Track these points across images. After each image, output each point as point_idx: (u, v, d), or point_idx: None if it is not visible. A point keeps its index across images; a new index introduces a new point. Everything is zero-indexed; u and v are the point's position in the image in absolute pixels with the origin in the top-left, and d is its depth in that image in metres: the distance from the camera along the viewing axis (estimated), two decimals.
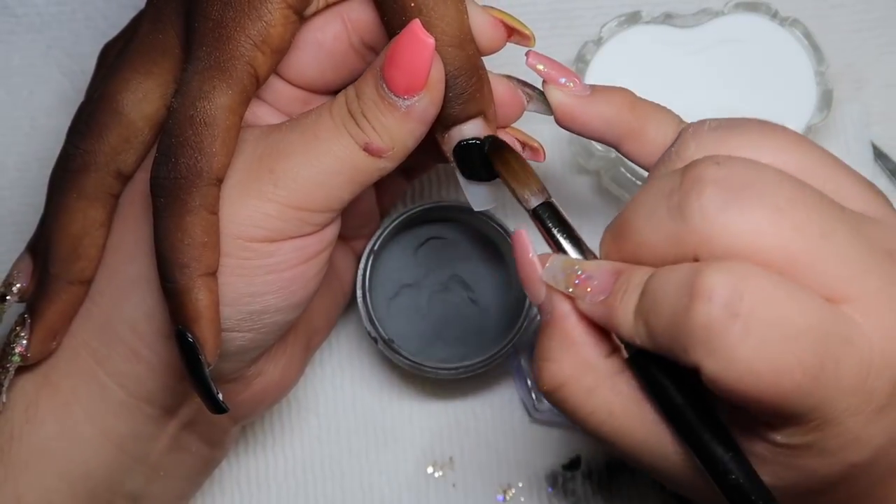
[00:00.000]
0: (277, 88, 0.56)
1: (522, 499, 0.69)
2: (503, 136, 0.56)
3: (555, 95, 0.53)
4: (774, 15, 0.69)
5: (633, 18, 0.70)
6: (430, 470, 0.69)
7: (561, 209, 0.50)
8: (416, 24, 0.51)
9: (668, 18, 0.70)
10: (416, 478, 0.69)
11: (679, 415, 0.45)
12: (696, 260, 0.43)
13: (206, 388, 0.52)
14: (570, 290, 0.47)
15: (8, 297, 0.58)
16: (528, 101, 0.56)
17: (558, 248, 0.49)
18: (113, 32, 0.61)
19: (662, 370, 0.45)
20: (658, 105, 0.53)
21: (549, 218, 0.49)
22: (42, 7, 0.74)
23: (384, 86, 0.52)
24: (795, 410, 0.43)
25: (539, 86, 0.55)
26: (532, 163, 0.58)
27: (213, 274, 0.52)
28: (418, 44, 0.51)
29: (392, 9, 0.53)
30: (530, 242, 0.49)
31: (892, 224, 0.46)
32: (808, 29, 0.69)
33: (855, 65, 0.73)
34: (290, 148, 0.53)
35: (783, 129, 0.47)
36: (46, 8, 0.74)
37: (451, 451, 0.70)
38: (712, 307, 0.41)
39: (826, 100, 0.69)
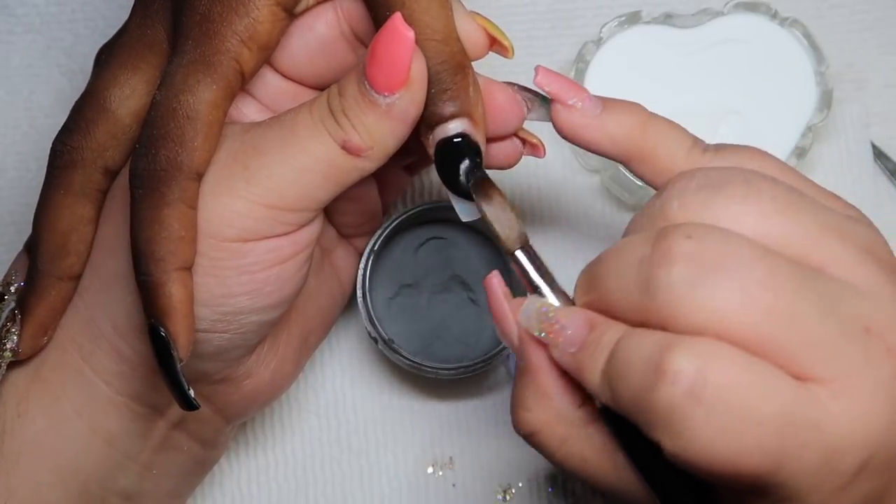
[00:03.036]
0: (267, 80, 0.56)
1: (522, 499, 0.69)
2: (506, 141, 0.56)
3: (561, 115, 0.52)
4: (774, 15, 0.70)
5: (633, 18, 0.70)
6: (430, 470, 0.69)
7: (537, 252, 0.50)
8: (397, 16, 0.50)
9: (668, 18, 0.70)
10: (416, 478, 0.69)
11: (647, 468, 0.46)
12: (663, 329, 0.43)
13: (177, 384, 0.52)
14: (543, 335, 0.47)
15: (6, 297, 0.58)
16: (528, 110, 0.55)
17: (535, 291, 0.49)
18: (112, 32, 0.61)
19: (631, 424, 0.45)
20: (671, 124, 0.51)
21: (528, 262, 0.50)
22: (42, 7, 0.74)
23: (366, 83, 0.51)
24: (755, 487, 0.43)
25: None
26: (532, 160, 0.58)
27: (188, 269, 0.51)
28: (398, 37, 0.50)
29: (376, 2, 0.52)
30: (503, 290, 0.49)
31: (877, 294, 0.44)
32: (808, 29, 0.69)
33: (855, 65, 0.73)
34: (267, 145, 0.52)
35: (772, 190, 0.45)
36: (46, 8, 0.74)
37: (451, 451, 0.69)
38: (675, 390, 0.41)
39: (826, 100, 0.69)
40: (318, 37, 0.55)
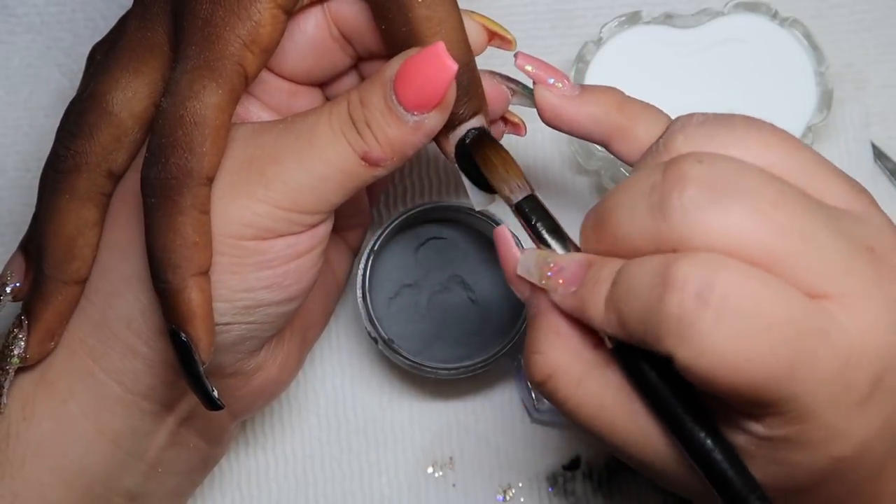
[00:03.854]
0: (263, 78, 0.56)
1: (522, 499, 0.69)
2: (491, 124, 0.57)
3: (542, 95, 0.53)
4: (774, 15, 0.70)
5: (633, 18, 0.70)
6: (430, 470, 0.69)
7: (543, 202, 0.50)
8: (441, 46, 0.51)
9: (668, 19, 0.70)
10: (416, 478, 0.69)
11: (663, 403, 0.46)
12: (676, 251, 0.44)
13: (202, 386, 0.52)
14: (543, 282, 0.47)
15: (1, 298, 0.58)
16: (511, 95, 0.57)
17: (541, 242, 0.49)
18: None
19: (645, 359, 0.45)
20: (647, 104, 0.53)
21: (531, 212, 0.50)
22: (42, 7, 0.74)
23: (394, 98, 0.52)
24: (771, 399, 0.43)
25: (529, 84, 0.55)
26: (531, 160, 0.58)
27: (205, 273, 0.52)
28: (441, 67, 0.51)
29: (391, 10, 0.53)
30: (512, 238, 0.49)
31: (874, 220, 0.46)
32: (808, 29, 0.69)
33: (855, 65, 0.73)
34: (283, 152, 0.53)
35: (771, 126, 0.47)
36: (46, 8, 0.74)
37: (451, 451, 0.69)
38: (684, 296, 0.42)
39: (826, 100, 0.69)
40: (307, 38, 0.56)
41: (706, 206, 0.43)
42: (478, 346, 0.66)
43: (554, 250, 0.49)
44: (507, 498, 0.69)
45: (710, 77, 0.69)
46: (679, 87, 0.69)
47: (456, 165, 0.55)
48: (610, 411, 0.47)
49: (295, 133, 0.53)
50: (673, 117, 0.52)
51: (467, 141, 0.54)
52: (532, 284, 0.48)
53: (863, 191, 0.48)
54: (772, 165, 0.45)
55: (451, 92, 0.52)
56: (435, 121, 0.52)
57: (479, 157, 0.53)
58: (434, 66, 0.51)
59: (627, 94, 0.53)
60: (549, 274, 0.47)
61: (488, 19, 0.56)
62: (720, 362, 0.42)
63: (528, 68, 0.54)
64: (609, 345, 0.46)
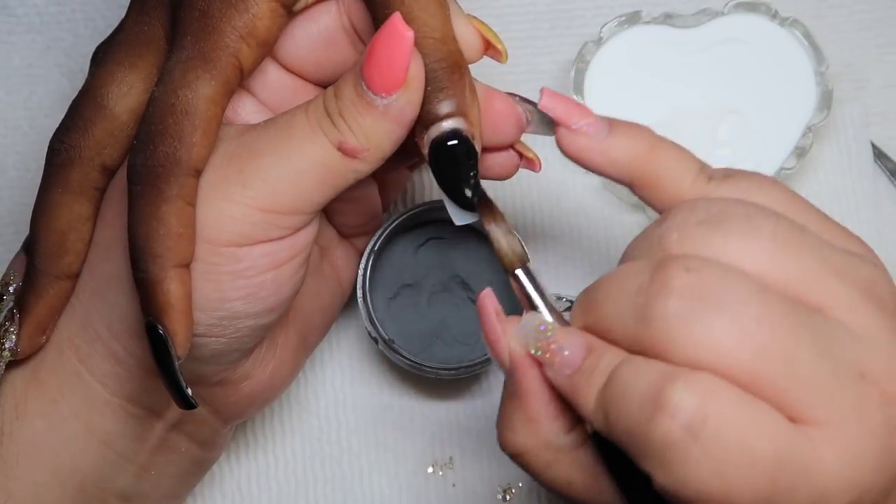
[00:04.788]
0: (268, 73, 0.56)
1: (522, 499, 0.69)
2: (502, 152, 0.55)
3: (566, 140, 0.50)
4: (774, 15, 0.70)
5: (633, 18, 0.70)
6: (430, 470, 0.69)
7: (537, 275, 0.50)
8: (397, 16, 0.50)
9: (668, 18, 0.70)
10: (416, 478, 0.69)
11: (635, 495, 0.45)
12: (659, 358, 0.43)
13: (175, 382, 0.51)
14: (539, 353, 0.46)
15: (4, 297, 0.58)
16: (527, 123, 0.54)
17: (532, 310, 0.49)
18: None
19: (621, 451, 0.44)
20: (677, 149, 0.50)
21: (528, 281, 0.49)
22: (42, 7, 0.74)
23: (363, 84, 0.51)
24: None
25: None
26: (529, 172, 0.57)
27: (186, 266, 0.51)
28: (397, 36, 0.50)
29: (376, 4, 0.52)
30: (495, 306, 0.48)
31: (879, 340, 0.44)
32: (807, 29, 0.69)
33: (855, 65, 0.73)
34: (261, 147, 0.52)
35: (774, 227, 0.44)
36: (46, 8, 0.74)
37: (451, 451, 0.69)
38: (674, 425, 0.41)
39: (826, 100, 0.69)
40: (320, 28, 0.55)
41: (688, 318, 0.42)
42: (478, 346, 0.66)
43: (546, 318, 0.48)
44: (507, 498, 0.69)
45: (710, 77, 0.69)
46: (679, 87, 0.69)
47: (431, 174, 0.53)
48: (579, 489, 0.47)
49: (274, 129, 0.52)
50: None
51: (475, 201, 0.51)
52: (516, 358, 0.47)
53: (871, 297, 0.45)
54: (767, 274, 0.43)
55: (415, 68, 0.50)
56: (402, 102, 0.51)
57: (486, 218, 0.51)
58: (391, 36, 0.50)
59: (657, 135, 0.50)
60: (548, 347, 0.46)
61: (485, 26, 0.54)
62: (700, 493, 0.41)
63: (553, 113, 0.51)
64: (589, 430, 0.46)
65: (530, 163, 0.56)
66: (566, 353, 0.45)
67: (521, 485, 0.69)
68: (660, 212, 0.49)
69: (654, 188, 0.49)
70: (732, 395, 0.41)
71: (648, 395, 0.42)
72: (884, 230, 0.71)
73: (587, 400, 0.44)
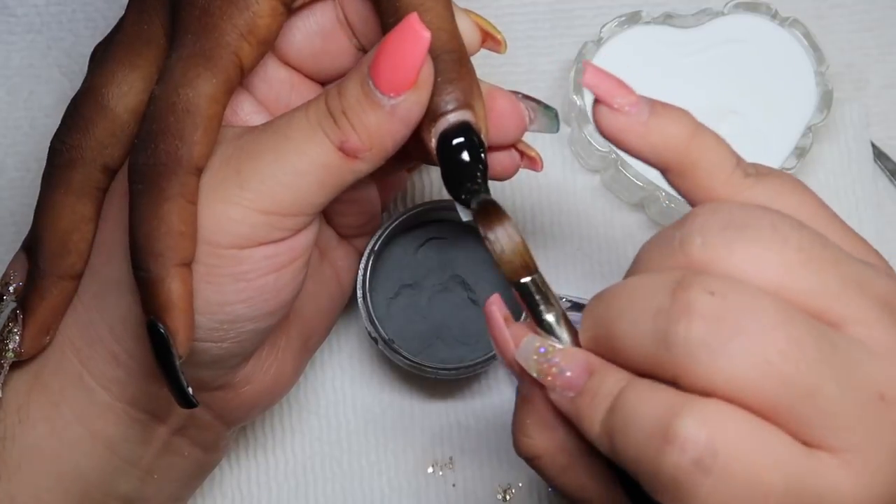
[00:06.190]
0: (266, 67, 0.56)
1: (522, 499, 0.69)
2: (504, 152, 0.54)
3: (606, 119, 0.48)
4: (774, 15, 0.70)
5: (633, 18, 0.70)
6: (430, 470, 0.69)
7: (546, 281, 0.47)
8: (414, 16, 0.49)
9: (668, 19, 0.70)
10: (416, 478, 0.69)
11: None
12: (674, 381, 0.42)
13: (176, 382, 0.51)
14: (540, 377, 0.45)
15: (4, 297, 0.58)
16: (530, 121, 0.53)
17: (539, 324, 0.47)
18: None
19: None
20: (717, 139, 0.48)
21: (534, 293, 0.47)
22: (42, 7, 0.74)
23: (370, 82, 0.50)
24: None
25: (549, 102, 0.53)
26: (530, 172, 0.57)
27: (187, 265, 0.51)
28: (413, 36, 0.49)
29: (381, 1, 0.52)
30: (503, 312, 0.47)
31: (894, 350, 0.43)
32: (808, 29, 0.69)
33: (855, 65, 0.73)
34: (260, 149, 0.51)
35: (799, 238, 0.43)
36: (46, 8, 0.74)
37: (451, 451, 0.69)
38: (683, 459, 0.40)
39: (826, 100, 0.69)
40: (317, 21, 0.55)
41: (712, 345, 0.41)
42: (478, 346, 0.66)
43: (553, 338, 0.46)
44: (507, 498, 0.69)
45: (710, 77, 0.69)
46: (679, 87, 0.69)
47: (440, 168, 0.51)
48: (592, 494, 0.47)
49: (273, 130, 0.52)
50: (737, 154, 0.48)
51: (473, 206, 0.49)
52: (524, 375, 0.46)
53: (889, 311, 0.44)
54: (789, 288, 0.42)
55: (427, 70, 0.50)
56: (410, 102, 0.50)
57: (484, 225, 0.48)
58: (407, 37, 0.49)
59: (698, 122, 0.48)
60: (549, 370, 0.45)
61: (482, 18, 0.54)
62: None
63: (598, 91, 0.48)
64: None
65: (532, 162, 0.56)
66: (567, 374, 0.45)
67: (521, 485, 0.69)
68: (690, 202, 0.48)
69: (689, 177, 0.47)
70: (743, 426, 0.41)
71: (657, 426, 0.41)
72: (884, 230, 0.71)
73: (592, 424, 0.43)
